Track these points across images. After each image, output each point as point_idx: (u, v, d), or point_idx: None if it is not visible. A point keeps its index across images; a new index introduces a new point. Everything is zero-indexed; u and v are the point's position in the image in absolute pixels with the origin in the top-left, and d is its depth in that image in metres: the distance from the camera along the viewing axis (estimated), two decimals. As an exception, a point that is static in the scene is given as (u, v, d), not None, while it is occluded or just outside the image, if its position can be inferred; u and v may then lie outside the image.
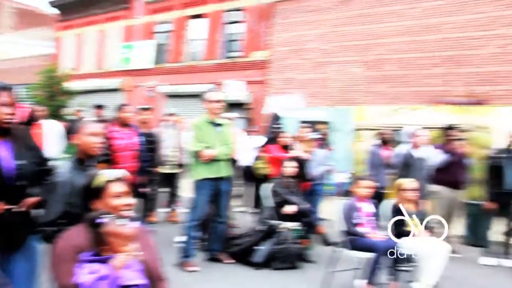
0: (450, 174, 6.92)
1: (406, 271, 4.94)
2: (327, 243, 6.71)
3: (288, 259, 5.90)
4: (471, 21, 11.40)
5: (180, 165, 8.22)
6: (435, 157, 6.90)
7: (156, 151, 7.37)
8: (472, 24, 11.37)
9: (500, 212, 6.64)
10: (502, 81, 10.90)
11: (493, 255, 6.68)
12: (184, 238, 5.74)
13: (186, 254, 5.68)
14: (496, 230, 6.85)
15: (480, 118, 10.41)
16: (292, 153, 6.97)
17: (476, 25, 11.31)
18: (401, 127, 7.95)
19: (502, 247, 6.64)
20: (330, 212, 6.38)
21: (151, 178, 7.17)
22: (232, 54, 16.29)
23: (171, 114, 8.66)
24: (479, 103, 10.79)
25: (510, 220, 6.58)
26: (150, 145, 6.91)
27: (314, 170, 7.32)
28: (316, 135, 7.75)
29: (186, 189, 7.52)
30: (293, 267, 5.90)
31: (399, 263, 4.86)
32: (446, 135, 7.26)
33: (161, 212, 8.37)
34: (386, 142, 7.59)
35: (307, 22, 14.02)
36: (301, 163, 6.80)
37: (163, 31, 18.20)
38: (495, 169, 6.60)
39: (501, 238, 6.69)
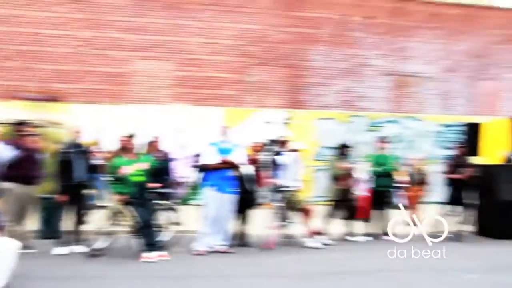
0: (22, 169, 6.90)
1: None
2: None
3: None
4: (44, 18, 11.60)
5: None
6: (6, 153, 6.78)
7: None
8: (46, 21, 11.60)
9: (71, 203, 7.11)
10: (75, 79, 11.61)
11: (65, 244, 7.11)
12: None
13: None
14: (68, 220, 7.25)
15: (54, 114, 10.72)
16: None
17: (50, 23, 11.61)
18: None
19: (73, 236, 7.16)
20: None
21: None
22: None
23: None
24: (53, 99, 11.10)
25: (80, 210, 7.16)
26: None
27: None
28: None
29: None
30: None
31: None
32: (18, 131, 7.21)
33: None
34: None
35: None
36: None
37: None
38: (65, 163, 7.03)
39: (72, 227, 7.16)
